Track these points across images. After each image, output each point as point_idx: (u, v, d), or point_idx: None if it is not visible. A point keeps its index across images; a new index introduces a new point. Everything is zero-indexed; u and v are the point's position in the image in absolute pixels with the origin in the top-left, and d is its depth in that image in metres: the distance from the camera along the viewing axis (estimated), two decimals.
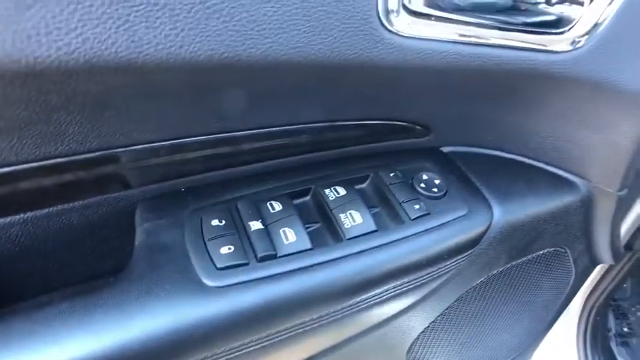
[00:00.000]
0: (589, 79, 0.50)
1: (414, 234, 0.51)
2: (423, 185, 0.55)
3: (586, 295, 1.09)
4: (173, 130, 0.47)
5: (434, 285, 0.55)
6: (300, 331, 0.48)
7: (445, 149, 0.62)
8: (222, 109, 0.46)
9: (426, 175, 0.56)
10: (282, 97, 0.47)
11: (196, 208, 0.49)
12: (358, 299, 0.50)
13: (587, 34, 0.48)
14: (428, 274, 0.53)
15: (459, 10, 0.45)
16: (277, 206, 0.49)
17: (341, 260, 0.47)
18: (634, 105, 0.51)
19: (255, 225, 0.47)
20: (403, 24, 0.41)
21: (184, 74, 0.37)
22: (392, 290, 0.52)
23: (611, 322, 1.21)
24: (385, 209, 0.53)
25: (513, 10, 0.48)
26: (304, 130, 0.52)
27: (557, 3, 0.50)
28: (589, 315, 1.11)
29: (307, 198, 0.53)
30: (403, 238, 0.50)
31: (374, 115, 0.54)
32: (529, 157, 0.63)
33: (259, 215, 0.48)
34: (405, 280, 0.52)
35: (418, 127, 0.58)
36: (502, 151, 0.63)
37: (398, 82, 0.48)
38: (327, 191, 0.52)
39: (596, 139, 0.56)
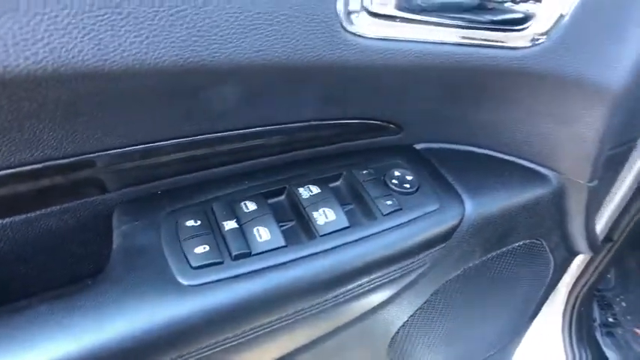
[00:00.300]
0: (551, 74, 0.52)
1: (386, 229, 0.52)
2: (395, 181, 0.56)
3: (570, 287, 1.11)
4: (147, 134, 0.48)
5: (408, 279, 0.57)
6: (276, 326, 0.49)
7: (418, 146, 0.64)
8: (193, 113, 0.47)
9: (399, 172, 0.58)
10: (252, 100, 0.48)
11: (172, 209, 0.50)
12: (333, 294, 0.51)
13: (547, 29, 0.50)
14: (401, 267, 0.54)
15: (423, 10, 0.46)
16: (252, 206, 0.51)
17: (314, 256, 0.49)
18: (596, 98, 0.53)
19: (230, 224, 0.49)
20: (364, 25, 0.42)
21: (151, 80, 0.39)
22: (367, 284, 0.53)
23: (596, 312, 1.23)
24: (358, 206, 0.54)
25: (480, 9, 0.50)
26: (277, 130, 0.54)
27: (522, 1, 0.52)
28: (573, 306, 1.13)
29: (282, 197, 0.54)
30: (375, 234, 0.52)
31: (345, 114, 0.55)
32: (501, 152, 0.64)
33: (234, 215, 0.50)
34: (379, 274, 0.53)
35: (390, 126, 0.59)
36: (474, 146, 0.64)
37: (365, 81, 0.49)
38: (300, 190, 0.53)
39: (564, 131, 0.58)
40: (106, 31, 0.35)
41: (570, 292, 1.12)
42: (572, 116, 0.56)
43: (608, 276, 1.29)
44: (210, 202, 0.51)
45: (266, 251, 0.47)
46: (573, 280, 1.10)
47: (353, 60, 0.43)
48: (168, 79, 0.39)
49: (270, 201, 0.53)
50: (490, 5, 0.51)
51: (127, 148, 0.48)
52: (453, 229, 0.57)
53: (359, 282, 0.52)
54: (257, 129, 0.52)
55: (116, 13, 0.35)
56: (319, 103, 0.52)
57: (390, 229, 0.52)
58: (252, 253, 0.47)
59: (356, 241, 0.50)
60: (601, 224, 0.87)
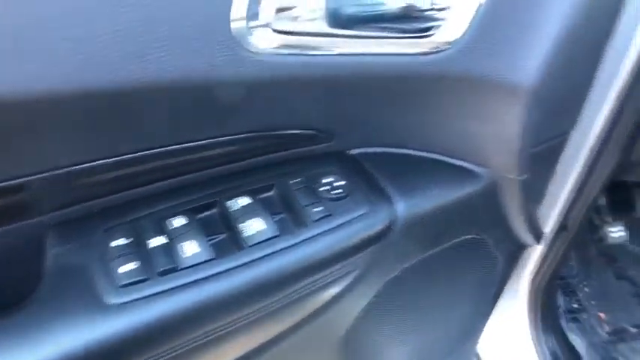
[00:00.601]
0: (465, 76, 0.54)
1: (316, 235, 0.54)
2: (326, 188, 0.58)
3: (531, 277, 1.13)
4: (73, 156, 0.49)
5: (345, 283, 0.58)
6: (209, 338, 0.50)
7: (354, 151, 0.66)
8: (114, 133, 0.49)
9: (330, 179, 0.59)
10: (176, 117, 0.49)
11: (103, 229, 0.51)
12: (266, 303, 0.52)
13: (456, 34, 0.52)
14: (333, 272, 0.56)
15: (340, 24, 0.48)
16: (180, 221, 0.52)
17: (243, 267, 0.50)
18: (511, 96, 0.55)
19: (157, 241, 0.50)
20: (264, 42, 0.43)
21: (62, 106, 0.40)
22: (300, 291, 0.54)
23: (561, 300, 1.26)
24: (289, 215, 0.56)
25: (401, 18, 0.51)
26: (208, 145, 0.55)
27: (442, 9, 0.53)
28: (537, 296, 1.15)
29: (213, 211, 0.55)
30: (305, 240, 0.53)
31: (274, 126, 0.57)
32: (432, 152, 0.66)
33: (162, 231, 0.51)
34: (311, 279, 0.54)
35: (322, 134, 0.61)
36: (407, 148, 0.66)
37: (283, 95, 0.51)
38: (232, 202, 0.54)
39: (487, 130, 0.60)
40: (6, 65, 0.36)
41: (532, 283, 1.15)
42: (491, 115, 0.58)
43: (571, 263, 1.32)
44: (141, 219, 0.52)
45: (193, 265, 0.49)
46: (535, 270, 1.13)
47: (260, 76, 0.45)
48: (77, 105, 0.40)
49: (201, 215, 0.54)
50: (415, 14, 0.52)
51: (55, 172, 0.49)
52: (385, 230, 0.58)
53: (292, 289, 0.54)
54: (185, 145, 0.53)
55: (13, 49, 0.36)
56: (244, 117, 0.53)
57: (319, 235, 0.54)
58: (179, 267, 0.48)
59: (285, 248, 0.52)
60: (554, 214, 0.89)
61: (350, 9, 0.49)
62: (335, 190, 0.58)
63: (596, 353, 1.20)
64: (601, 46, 0.63)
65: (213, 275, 0.49)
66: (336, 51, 0.48)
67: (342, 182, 0.59)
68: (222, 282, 0.49)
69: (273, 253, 0.51)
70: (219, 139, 0.55)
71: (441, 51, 0.51)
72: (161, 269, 0.48)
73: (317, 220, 0.54)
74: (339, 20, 0.48)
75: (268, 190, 0.58)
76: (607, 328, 1.23)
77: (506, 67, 0.53)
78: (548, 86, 0.56)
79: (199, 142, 0.54)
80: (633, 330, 1.23)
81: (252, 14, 0.42)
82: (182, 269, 0.48)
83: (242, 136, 0.56)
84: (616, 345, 1.21)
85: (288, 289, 0.53)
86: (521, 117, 0.57)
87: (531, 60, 0.53)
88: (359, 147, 0.65)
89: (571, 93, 0.67)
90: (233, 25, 0.41)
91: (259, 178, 0.58)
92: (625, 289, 1.30)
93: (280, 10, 0.44)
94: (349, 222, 0.56)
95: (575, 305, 1.27)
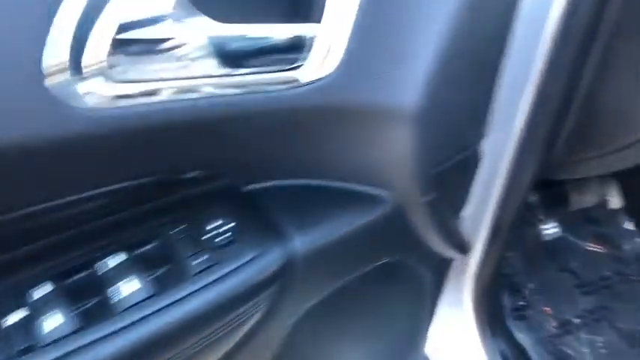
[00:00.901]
0: (342, 105, 0.51)
1: (198, 289, 0.50)
2: (212, 234, 0.54)
3: (473, 285, 1.12)
4: None
5: (241, 333, 0.55)
6: None
7: (251, 186, 0.62)
8: None
9: (218, 222, 0.55)
10: (22, 178, 0.44)
11: None
12: None
13: (328, 63, 0.49)
14: (224, 325, 0.52)
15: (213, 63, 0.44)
16: (45, 290, 0.47)
17: (114, 335, 0.46)
18: (396, 120, 0.53)
19: (15, 316, 0.45)
20: (97, 95, 0.39)
21: None
22: (189, 349, 0.51)
23: (507, 300, 1.26)
24: (170, 269, 0.52)
25: (267, 53, 0.48)
26: (74, 202, 0.50)
27: (310, 39, 0.50)
28: (482, 301, 1.14)
29: (82, 274, 0.50)
30: (187, 296, 0.49)
31: (150, 173, 0.53)
32: (333, 180, 0.63)
33: (24, 303, 0.46)
34: (198, 336, 0.51)
35: (208, 175, 0.57)
36: (306, 178, 0.63)
37: (144, 144, 0.47)
38: (101, 263, 0.50)
39: (381, 155, 0.58)
40: None
41: (474, 290, 1.13)
42: (381, 141, 0.56)
43: (514, 262, 1.33)
44: None
45: (57, 340, 0.44)
46: (474, 278, 1.12)
47: (102, 132, 0.41)
48: None
49: (69, 280, 0.49)
50: (280, 48, 0.49)
51: None
52: (280, 271, 0.55)
53: (177, 349, 0.50)
54: (45, 205, 0.48)
55: None
56: (109, 171, 0.49)
57: (202, 288, 0.50)
58: (40, 344, 0.44)
59: (163, 308, 0.48)
60: (485, 222, 0.88)
61: (220, 47, 0.45)
62: (222, 235, 0.54)
63: (543, 349, 1.21)
64: (500, 50, 0.61)
65: (78, 348, 0.44)
66: (199, 94, 0.44)
67: (231, 224, 0.55)
68: (89, 354, 0.44)
69: (148, 315, 0.47)
70: (87, 193, 0.50)
71: (311, 83, 0.48)
72: (19, 348, 0.43)
73: (199, 272, 0.51)
74: (207, 61, 0.44)
75: (147, 244, 0.53)
76: (553, 322, 1.24)
77: (384, 93, 0.51)
78: (436, 105, 0.54)
79: (62, 200, 0.49)
80: (577, 321, 1.24)
81: (76, 65, 0.38)
82: (44, 346, 0.44)
83: (114, 187, 0.52)
84: (562, 338, 1.22)
85: (173, 350, 0.49)
86: (410, 140, 0.55)
87: (410, 82, 0.51)
88: (256, 182, 0.61)
89: (471, 105, 0.66)
90: (50, 81, 0.37)
91: (138, 230, 0.54)
92: (567, 281, 1.32)
93: (113, 53, 0.40)
94: (237, 269, 0.52)
95: (521, 303, 1.27)
